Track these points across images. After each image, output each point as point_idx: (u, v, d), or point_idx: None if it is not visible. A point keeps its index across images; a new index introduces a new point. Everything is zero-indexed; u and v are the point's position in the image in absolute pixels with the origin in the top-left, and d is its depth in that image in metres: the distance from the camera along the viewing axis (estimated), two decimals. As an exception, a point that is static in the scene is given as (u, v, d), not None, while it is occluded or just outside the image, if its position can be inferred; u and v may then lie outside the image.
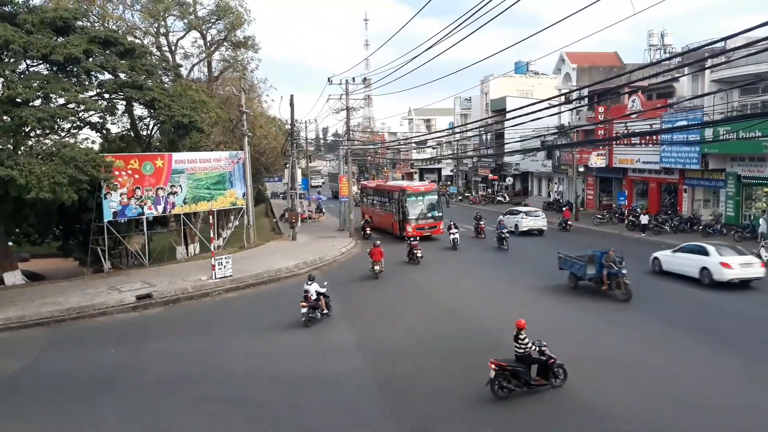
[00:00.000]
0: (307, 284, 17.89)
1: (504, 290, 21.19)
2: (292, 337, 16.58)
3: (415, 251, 26.69)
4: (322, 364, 14.25)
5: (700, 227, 31.61)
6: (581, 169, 43.37)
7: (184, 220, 29.90)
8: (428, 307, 19.28)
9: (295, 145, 39.26)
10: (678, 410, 10.87)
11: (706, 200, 34.79)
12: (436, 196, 34.41)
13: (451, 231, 30.59)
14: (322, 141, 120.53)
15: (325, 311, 17.92)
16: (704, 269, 20.23)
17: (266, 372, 13.88)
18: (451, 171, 77.44)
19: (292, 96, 36.47)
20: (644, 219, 33.89)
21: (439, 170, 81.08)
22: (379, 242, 25.05)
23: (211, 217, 25.39)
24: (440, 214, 34.31)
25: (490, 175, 60.75)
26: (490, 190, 61.58)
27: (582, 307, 18.17)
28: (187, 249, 31.77)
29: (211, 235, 25.30)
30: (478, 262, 26.89)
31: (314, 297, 17.60)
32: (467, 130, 47.07)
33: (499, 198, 57.23)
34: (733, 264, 19.57)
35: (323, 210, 50.14)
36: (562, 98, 37.02)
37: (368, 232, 36.00)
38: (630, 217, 35.35)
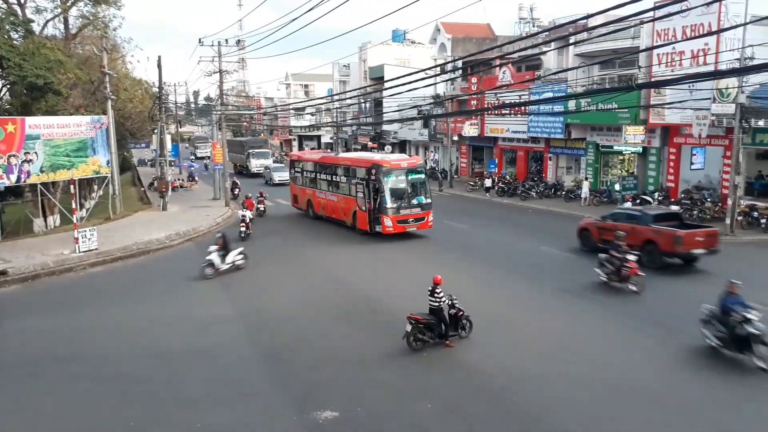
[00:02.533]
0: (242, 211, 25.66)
1: (384, 254, 21.62)
2: (166, 310, 15.87)
3: (259, 206, 30.07)
4: (201, 337, 13.78)
5: (563, 193, 33.91)
6: (455, 138, 44.80)
7: (41, 190, 27.44)
8: (312, 274, 19.21)
9: (163, 110, 37.11)
10: (541, 362, 11.74)
11: (569, 167, 37.29)
12: (423, 175, 24.87)
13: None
14: (193, 105, 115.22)
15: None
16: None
17: (141, 348, 13.21)
18: (331, 138, 77.14)
19: (159, 57, 34.41)
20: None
21: (319, 137, 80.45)
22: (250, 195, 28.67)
23: (72, 186, 23.49)
24: (429, 200, 24.45)
25: (370, 143, 61.19)
26: (368, 158, 61.74)
27: (469, 272, 18.91)
28: (45, 221, 29.25)
29: (73, 206, 23.43)
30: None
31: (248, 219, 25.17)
32: (347, 98, 46.84)
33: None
34: None
35: (196, 178, 48.04)
36: (438, 68, 37.79)
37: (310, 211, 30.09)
38: (500, 184, 37.16)
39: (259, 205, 30.65)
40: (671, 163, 29.69)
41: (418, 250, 22.22)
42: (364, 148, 59.06)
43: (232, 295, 17.15)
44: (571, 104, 31.72)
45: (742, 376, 10.92)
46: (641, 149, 30.46)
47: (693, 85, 22.28)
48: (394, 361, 11.97)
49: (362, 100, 55.05)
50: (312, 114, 64.87)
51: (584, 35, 29.92)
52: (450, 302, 12.60)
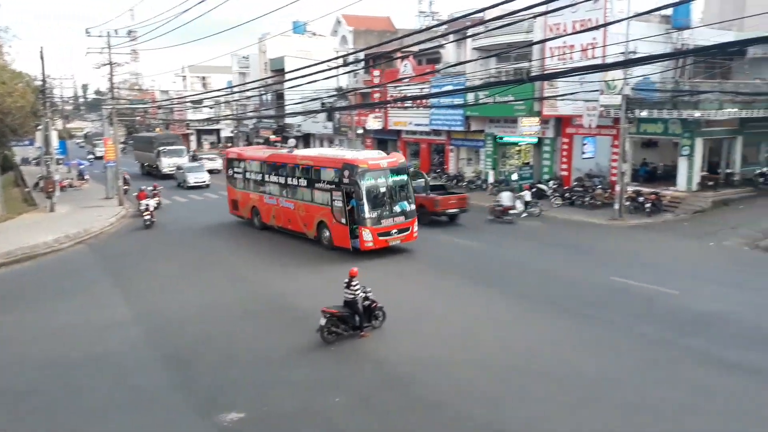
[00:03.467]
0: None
1: (288, 247, 21.32)
2: (59, 317, 14.84)
3: (148, 203, 26.59)
4: (98, 343, 12.99)
5: (464, 183, 34.86)
6: (360, 131, 44.87)
7: None
8: (216, 272, 18.63)
9: (48, 104, 34.68)
10: (448, 349, 12.02)
11: (469, 159, 38.30)
12: (406, 176, 20.53)
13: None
14: (82, 99, 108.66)
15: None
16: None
17: (34, 358, 12.28)
18: (232, 132, 75.17)
19: (42, 48, 32.14)
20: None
21: (218, 131, 78.21)
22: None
23: (-55, 186, 21.48)
24: (413, 207, 20.43)
25: (272, 136, 60.13)
26: (271, 152, 60.70)
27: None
28: None
29: (-53, 208, 21.45)
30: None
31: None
32: (247, 90, 45.61)
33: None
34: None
35: (86, 176, 45.22)
36: (340, 60, 37.65)
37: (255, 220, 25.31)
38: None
39: (149, 201, 26.93)
40: (564, 153, 31.19)
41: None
42: (267, 141, 58.02)
43: (130, 298, 16.30)
44: (470, 97, 32.57)
45: (633, 351, 11.70)
46: (537, 140, 31.80)
47: (583, 78, 23.46)
48: (304, 357, 11.82)
49: (263, 92, 53.92)
50: (210, 107, 62.79)
51: (481, 29, 30.75)
52: (364, 294, 12.69)
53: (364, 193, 18.97)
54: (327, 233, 20.73)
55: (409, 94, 36.35)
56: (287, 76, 34.04)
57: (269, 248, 21.89)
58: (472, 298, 15.37)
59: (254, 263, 19.96)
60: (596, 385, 10.29)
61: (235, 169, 26.67)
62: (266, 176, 24.09)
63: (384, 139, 46.47)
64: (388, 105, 39.26)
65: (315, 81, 17.53)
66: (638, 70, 23.13)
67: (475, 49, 34.27)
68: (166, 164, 47.37)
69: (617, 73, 24.06)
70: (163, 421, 9.69)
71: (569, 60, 26.44)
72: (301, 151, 26.56)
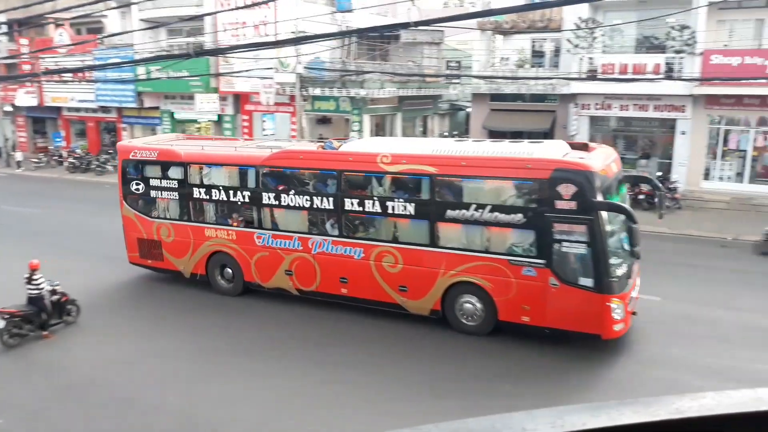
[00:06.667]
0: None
1: None
2: None
3: None
4: None
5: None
6: (9, 109, 38.33)
7: None
8: None
9: None
10: (128, 343, 10.97)
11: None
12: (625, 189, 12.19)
13: None
14: None
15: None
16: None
17: None
18: None
19: None
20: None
21: None
22: None
23: None
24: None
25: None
26: None
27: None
28: None
29: None
30: None
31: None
32: None
33: None
34: None
35: None
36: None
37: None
38: (70, 159, 33.47)
39: None
40: (245, 130, 31.08)
41: None
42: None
43: None
44: (142, 72, 30.22)
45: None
46: (217, 117, 31.07)
47: (258, 55, 23.42)
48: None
49: None
50: None
51: (147, -2, 28.57)
52: (51, 287, 11.27)
53: (603, 226, 9.84)
54: (479, 305, 10.99)
55: (69, 67, 32.11)
56: None
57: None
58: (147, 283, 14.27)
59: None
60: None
61: (153, 183, 14.29)
62: (266, 196, 12.87)
63: (40, 118, 40.60)
64: (42, 78, 34.19)
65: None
66: (309, 50, 23.98)
67: (143, 20, 31.78)
68: None
69: (290, 52, 24.60)
70: None
71: (243, 37, 26.20)
72: (377, 147, 12.54)
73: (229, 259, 13.42)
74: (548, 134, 23.42)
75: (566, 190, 9.75)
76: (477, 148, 11.44)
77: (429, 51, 32.56)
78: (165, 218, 14.19)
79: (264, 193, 12.80)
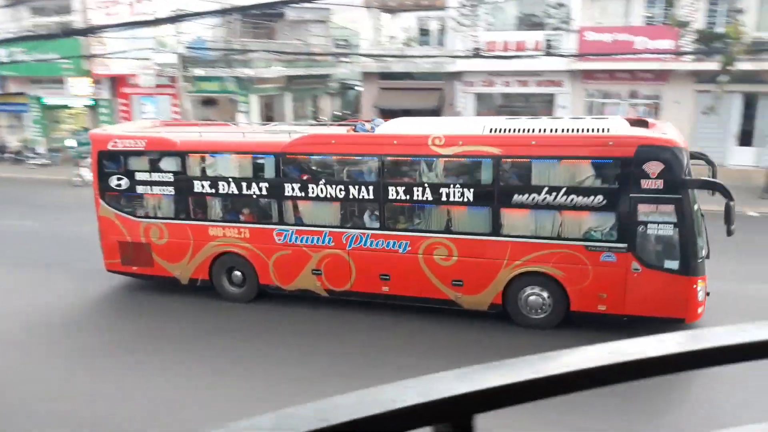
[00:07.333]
0: None
1: None
2: None
3: None
4: None
5: (11, 155, 30.06)
6: None
7: None
8: None
9: None
10: None
11: (12, 126, 32.92)
12: None
13: None
14: None
15: None
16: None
17: None
18: None
19: None
20: None
21: None
22: None
23: None
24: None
25: None
26: None
27: None
28: None
29: None
30: None
31: None
32: None
33: None
34: None
35: None
36: None
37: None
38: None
39: None
40: (123, 114, 29.37)
41: None
42: None
43: None
44: (3, 54, 27.74)
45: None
46: (94, 102, 29.15)
47: (134, 35, 22.09)
48: None
49: None
50: None
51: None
52: None
53: (692, 205, 9.51)
54: (546, 296, 10.20)
55: None
56: None
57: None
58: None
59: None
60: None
61: (140, 178, 12.12)
62: (289, 187, 11.11)
63: None
64: None
65: None
66: (190, 28, 22.97)
67: (-1, -3, 29.07)
68: None
69: (169, 31, 23.43)
70: None
71: (117, 15, 24.63)
72: (427, 127, 11.00)
73: (239, 260, 11.68)
74: (436, 111, 23.87)
75: (653, 167, 9.12)
76: (542, 125, 10.23)
77: (316, 29, 32.14)
78: (156, 217, 12.03)
79: (286, 184, 11.05)
